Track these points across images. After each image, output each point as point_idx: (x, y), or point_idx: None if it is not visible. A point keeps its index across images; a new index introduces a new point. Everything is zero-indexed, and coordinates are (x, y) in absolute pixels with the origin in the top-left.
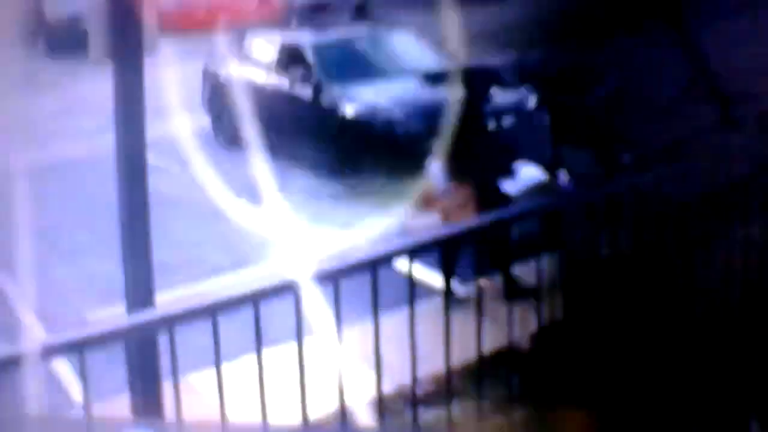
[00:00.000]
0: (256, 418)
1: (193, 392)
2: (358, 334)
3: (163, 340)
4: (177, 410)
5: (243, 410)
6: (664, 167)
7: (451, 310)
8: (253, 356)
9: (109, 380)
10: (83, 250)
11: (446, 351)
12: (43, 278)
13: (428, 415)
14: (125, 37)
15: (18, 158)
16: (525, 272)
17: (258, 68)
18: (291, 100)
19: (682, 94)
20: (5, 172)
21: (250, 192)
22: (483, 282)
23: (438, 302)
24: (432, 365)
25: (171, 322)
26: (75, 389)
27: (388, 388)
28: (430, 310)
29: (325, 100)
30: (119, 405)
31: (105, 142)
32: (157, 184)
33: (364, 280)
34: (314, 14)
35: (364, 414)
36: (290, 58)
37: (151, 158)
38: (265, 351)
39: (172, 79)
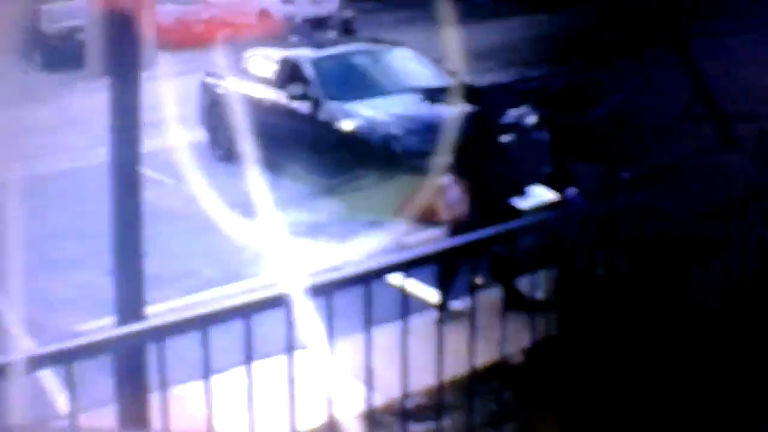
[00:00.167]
0: None
1: (181, 404)
2: (350, 347)
3: (152, 352)
4: (164, 423)
5: (232, 423)
6: (664, 186)
7: (445, 324)
8: (243, 369)
9: (96, 392)
10: (75, 262)
11: (438, 364)
12: (33, 289)
13: (419, 429)
14: (122, 51)
15: (11, 169)
16: (524, 285)
17: (256, 83)
18: (289, 115)
19: (682, 113)
20: None
21: (245, 206)
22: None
23: (432, 316)
24: (423, 379)
25: (161, 333)
26: (62, 400)
27: (378, 401)
28: (423, 324)
29: (324, 115)
30: (106, 417)
31: (100, 155)
32: (151, 196)
33: (357, 295)
34: (314, 29)
35: (353, 428)
36: (289, 73)
37: (147, 171)
38: (256, 364)
39: (169, 93)
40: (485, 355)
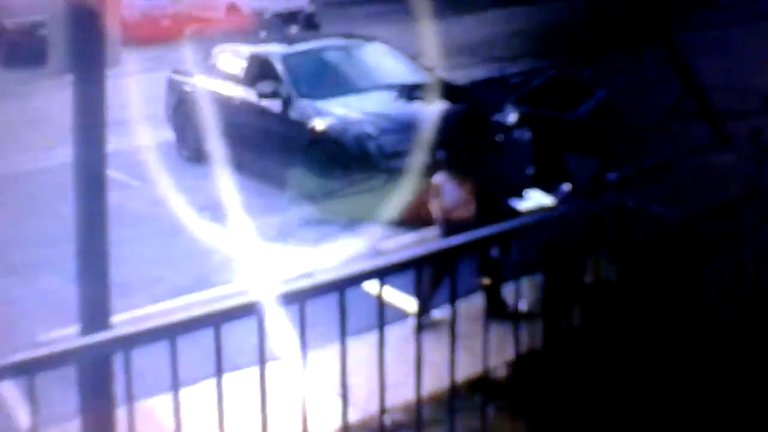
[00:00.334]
0: None
1: (149, 418)
2: (325, 358)
3: (118, 363)
4: None
5: None
6: (653, 187)
7: (422, 333)
8: (214, 381)
9: (60, 404)
10: (38, 267)
11: (417, 378)
12: None
13: None
14: (86, 47)
15: None
16: (508, 294)
17: (225, 80)
18: (259, 113)
19: (671, 110)
20: None
21: (214, 209)
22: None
23: (410, 326)
24: (402, 393)
25: (127, 343)
26: (23, 414)
27: (354, 417)
28: (401, 335)
29: (295, 114)
30: (70, 431)
31: (63, 155)
32: (117, 199)
33: (332, 302)
34: (285, 24)
35: None
36: (258, 70)
37: (112, 172)
38: (227, 376)
39: (135, 91)
40: (467, 368)
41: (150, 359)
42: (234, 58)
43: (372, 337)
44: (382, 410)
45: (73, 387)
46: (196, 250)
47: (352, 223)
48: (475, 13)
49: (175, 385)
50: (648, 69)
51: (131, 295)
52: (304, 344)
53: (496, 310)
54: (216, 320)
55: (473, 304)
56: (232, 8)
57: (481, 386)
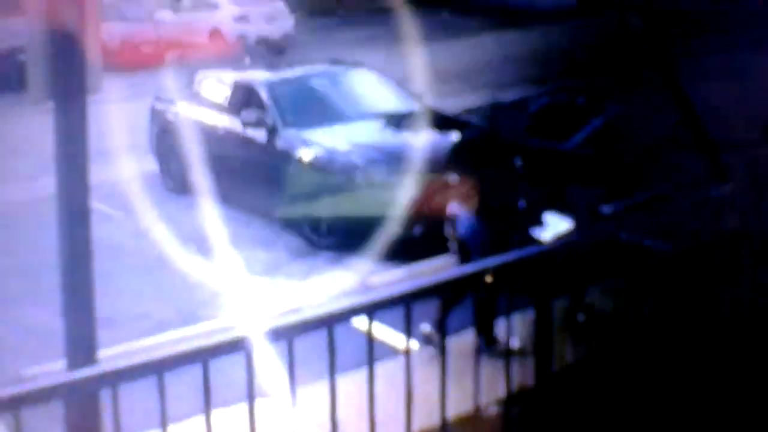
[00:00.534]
0: None
1: None
2: (314, 395)
3: (106, 399)
4: None
5: None
6: (648, 220)
7: (414, 370)
8: (202, 418)
9: None
10: (22, 301)
11: (407, 415)
12: None
13: None
14: (67, 74)
15: None
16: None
17: (208, 108)
18: (244, 143)
19: (667, 140)
20: None
21: (199, 241)
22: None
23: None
24: (392, 430)
25: (114, 379)
26: None
27: None
28: (391, 371)
29: (281, 143)
30: None
31: (46, 185)
32: (100, 231)
33: (321, 338)
34: (270, 50)
35: None
36: (243, 98)
37: (95, 203)
38: (215, 412)
39: (117, 119)
40: (458, 405)
41: (137, 395)
42: (218, 85)
43: (361, 374)
44: None
45: (60, 423)
46: (182, 284)
47: (341, 256)
48: (465, 38)
49: (163, 422)
50: (644, 96)
51: (116, 329)
52: (293, 380)
53: (488, 347)
54: (204, 356)
55: (465, 340)
56: (215, 33)
57: (472, 424)
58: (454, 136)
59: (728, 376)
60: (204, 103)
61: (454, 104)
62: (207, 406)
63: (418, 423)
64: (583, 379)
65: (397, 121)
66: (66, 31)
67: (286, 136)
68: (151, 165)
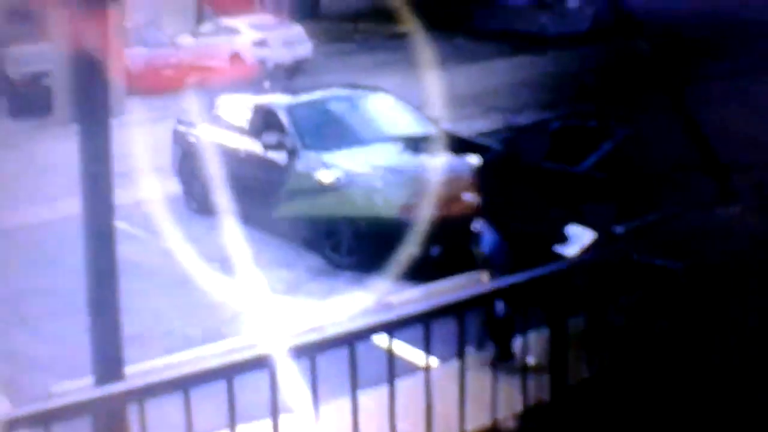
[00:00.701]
0: None
1: None
2: (336, 411)
3: (133, 414)
4: None
5: None
6: (659, 241)
7: (434, 386)
8: None
9: None
10: (50, 319)
11: (427, 430)
12: (6, 348)
13: None
14: (91, 97)
15: None
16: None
17: (230, 131)
18: (265, 165)
19: (676, 162)
20: None
21: (222, 261)
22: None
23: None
24: None
25: (141, 395)
26: None
27: None
28: (412, 387)
29: (301, 166)
30: None
31: (71, 206)
32: (125, 251)
33: (343, 355)
34: (289, 74)
35: None
36: (263, 121)
37: (120, 224)
38: (239, 428)
39: (141, 141)
40: (476, 419)
41: (164, 410)
42: (238, 108)
43: (382, 390)
44: None
45: None
46: (206, 303)
47: (361, 276)
48: (478, 63)
49: None
50: (655, 119)
51: (142, 346)
52: (315, 397)
53: (504, 364)
54: (229, 372)
55: (483, 356)
56: (235, 57)
57: None
58: (472, 159)
59: (740, 392)
60: (225, 126)
61: (468, 127)
62: (232, 421)
63: None
64: (598, 393)
65: (415, 144)
66: (90, 56)
67: (306, 159)
68: (175, 186)
